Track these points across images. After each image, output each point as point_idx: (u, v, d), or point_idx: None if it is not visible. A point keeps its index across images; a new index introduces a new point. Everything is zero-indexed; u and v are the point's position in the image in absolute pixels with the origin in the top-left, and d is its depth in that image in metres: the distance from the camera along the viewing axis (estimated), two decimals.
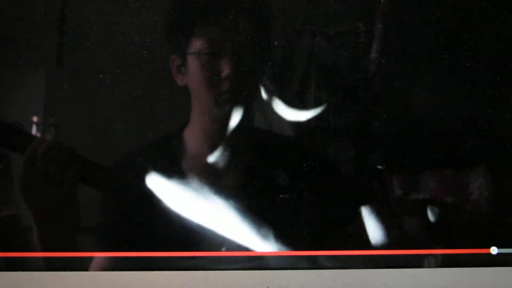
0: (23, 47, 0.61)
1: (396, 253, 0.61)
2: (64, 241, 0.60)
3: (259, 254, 0.60)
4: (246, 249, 0.60)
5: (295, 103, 0.64)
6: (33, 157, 0.59)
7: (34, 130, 0.60)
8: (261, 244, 0.61)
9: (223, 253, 0.60)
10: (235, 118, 0.63)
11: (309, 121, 0.63)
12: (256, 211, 0.61)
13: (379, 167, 0.62)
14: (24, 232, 0.60)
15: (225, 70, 0.62)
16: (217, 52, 0.62)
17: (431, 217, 0.63)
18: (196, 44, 0.62)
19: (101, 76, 0.61)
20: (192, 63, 0.62)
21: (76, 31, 0.62)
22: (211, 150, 0.63)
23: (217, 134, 0.63)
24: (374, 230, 0.63)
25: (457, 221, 0.64)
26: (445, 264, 0.61)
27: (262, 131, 0.66)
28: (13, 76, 0.61)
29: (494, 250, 0.62)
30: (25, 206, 0.59)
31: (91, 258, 0.59)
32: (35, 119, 0.60)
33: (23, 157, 0.59)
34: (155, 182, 0.61)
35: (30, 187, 0.59)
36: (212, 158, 0.63)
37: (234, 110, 0.63)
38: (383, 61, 0.64)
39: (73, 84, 0.61)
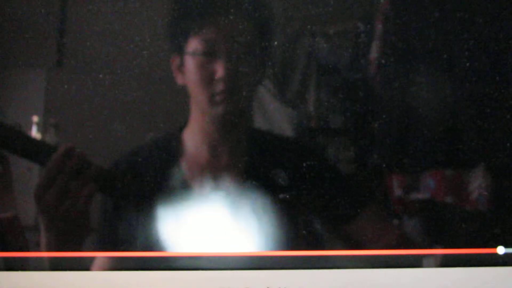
0: (23, 47, 0.61)
1: (401, 253, 0.61)
2: (73, 244, 0.60)
3: (259, 254, 0.60)
4: (246, 249, 0.60)
5: (294, 103, 0.64)
6: (56, 169, 0.58)
7: (34, 130, 0.60)
8: (261, 244, 0.61)
9: (223, 253, 0.60)
10: (233, 118, 0.63)
11: (309, 121, 0.63)
12: (256, 211, 0.61)
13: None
14: (25, 233, 0.60)
15: (219, 71, 0.62)
16: (212, 52, 0.62)
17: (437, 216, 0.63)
18: (193, 44, 0.62)
19: (101, 76, 0.61)
20: (189, 63, 0.62)
21: (76, 31, 0.62)
22: (210, 150, 0.63)
23: (216, 135, 0.63)
24: (375, 230, 0.63)
25: (463, 220, 0.64)
26: (451, 264, 0.61)
27: (261, 132, 0.66)
28: (13, 76, 0.61)
29: (501, 250, 0.62)
30: (41, 215, 0.59)
31: (92, 258, 0.59)
32: (35, 119, 0.60)
33: (45, 167, 0.59)
34: (155, 182, 0.61)
35: (48, 197, 0.58)
36: (211, 158, 0.63)
37: (229, 110, 0.62)
38: (383, 61, 0.64)
39: (73, 84, 0.61)
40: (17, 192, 0.60)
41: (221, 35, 0.62)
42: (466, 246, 0.62)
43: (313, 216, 0.62)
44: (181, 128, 0.64)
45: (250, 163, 0.63)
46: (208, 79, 0.62)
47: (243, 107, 0.64)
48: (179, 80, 0.63)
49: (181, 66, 0.63)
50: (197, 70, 0.62)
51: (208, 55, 0.62)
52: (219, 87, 0.62)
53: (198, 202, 0.62)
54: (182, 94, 0.62)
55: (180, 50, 0.62)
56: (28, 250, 0.59)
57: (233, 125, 0.63)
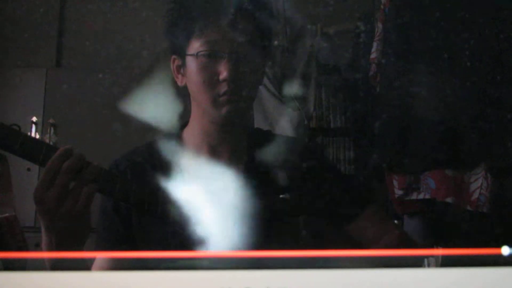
0: (23, 47, 0.61)
1: (404, 254, 0.61)
2: (73, 244, 0.60)
3: (259, 254, 0.60)
4: (246, 249, 0.60)
5: (294, 103, 0.64)
6: (55, 170, 0.57)
7: (33, 130, 0.60)
8: (261, 243, 0.60)
9: (223, 253, 0.60)
10: (234, 119, 0.63)
11: (309, 121, 0.63)
12: (256, 211, 0.61)
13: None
14: (25, 233, 0.60)
15: (223, 73, 0.61)
16: (215, 54, 0.61)
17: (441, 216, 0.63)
18: (195, 45, 0.62)
19: (101, 76, 0.61)
20: (191, 64, 0.62)
21: (76, 31, 0.62)
22: (210, 150, 0.63)
23: (216, 135, 0.63)
24: (375, 230, 0.63)
25: (467, 220, 0.64)
26: (455, 264, 0.61)
27: (261, 132, 0.66)
28: (13, 76, 0.61)
29: (505, 250, 0.61)
30: (40, 215, 0.58)
31: (92, 258, 0.59)
32: (34, 119, 0.60)
33: (44, 168, 0.58)
34: (154, 182, 0.61)
35: (47, 198, 0.57)
36: (211, 158, 0.63)
37: (232, 111, 0.62)
38: (383, 61, 0.64)
39: (73, 84, 0.61)
40: (17, 192, 0.60)
41: (224, 37, 0.62)
42: (470, 246, 0.62)
43: (312, 216, 0.62)
44: (181, 128, 0.64)
45: (250, 163, 0.63)
46: (212, 81, 0.61)
47: (245, 107, 0.64)
48: (179, 81, 0.63)
49: (181, 67, 0.63)
50: (200, 72, 0.62)
51: (212, 56, 0.61)
52: (223, 88, 0.61)
53: (197, 201, 0.62)
54: (182, 94, 0.62)
55: (181, 52, 0.62)
56: (28, 250, 0.59)
57: (234, 125, 0.63)
